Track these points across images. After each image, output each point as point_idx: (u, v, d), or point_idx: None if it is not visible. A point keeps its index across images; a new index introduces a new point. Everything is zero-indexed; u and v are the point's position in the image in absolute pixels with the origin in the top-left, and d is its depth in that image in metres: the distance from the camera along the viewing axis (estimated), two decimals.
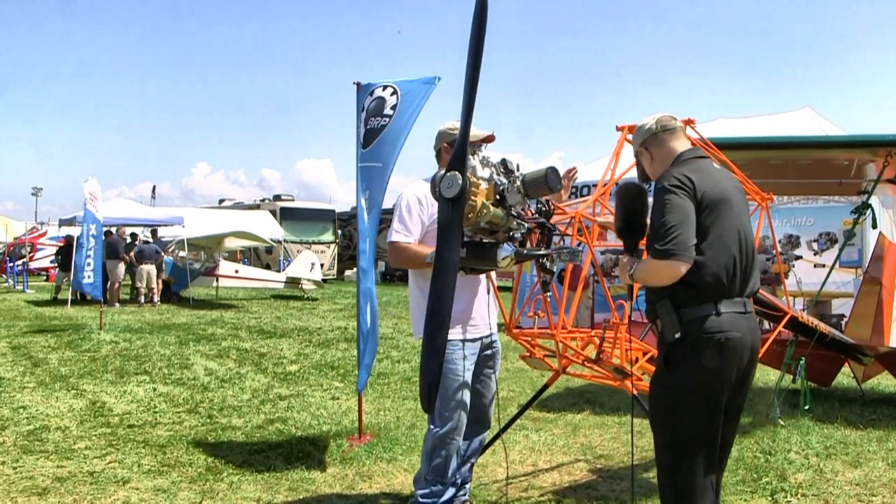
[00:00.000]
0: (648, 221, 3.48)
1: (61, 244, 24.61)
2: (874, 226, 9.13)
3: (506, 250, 3.67)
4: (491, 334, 4.71)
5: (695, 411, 3.43)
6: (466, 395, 4.52)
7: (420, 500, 4.56)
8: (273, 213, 32.56)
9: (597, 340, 4.53)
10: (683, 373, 3.39)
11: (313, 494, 5.36)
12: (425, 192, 4.47)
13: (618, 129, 5.11)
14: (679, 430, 3.49)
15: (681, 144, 3.70)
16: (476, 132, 4.60)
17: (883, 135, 7.85)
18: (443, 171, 3.52)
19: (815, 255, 14.63)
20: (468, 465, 4.87)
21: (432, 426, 4.53)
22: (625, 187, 3.61)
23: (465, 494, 4.88)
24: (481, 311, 4.54)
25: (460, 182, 3.40)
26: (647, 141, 3.74)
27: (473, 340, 4.54)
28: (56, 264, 25.60)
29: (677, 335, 3.37)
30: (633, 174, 7.90)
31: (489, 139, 4.67)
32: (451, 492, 4.60)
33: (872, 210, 8.60)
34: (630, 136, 5.13)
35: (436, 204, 4.33)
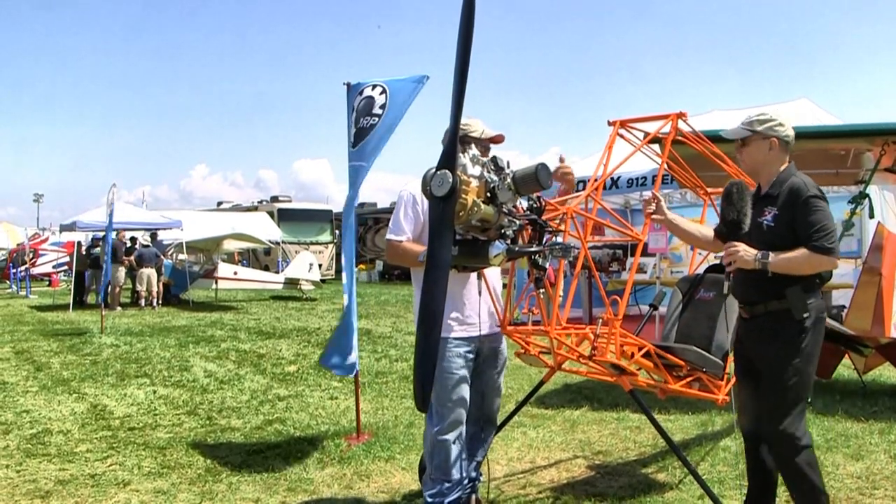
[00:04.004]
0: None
1: None
2: (871, 215, 9.10)
3: (497, 247, 3.65)
4: (492, 334, 4.69)
5: (813, 370, 4.21)
6: (464, 393, 4.50)
7: (428, 500, 4.56)
8: (271, 214, 32.63)
9: (591, 336, 4.50)
10: (812, 342, 4.10)
11: (311, 494, 5.35)
12: None
13: (609, 123, 5.07)
14: (807, 387, 4.19)
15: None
16: (487, 131, 4.59)
17: (879, 123, 7.81)
18: (433, 169, 3.51)
19: None
20: (474, 463, 4.85)
21: (430, 425, 4.52)
22: (742, 188, 4.06)
23: (474, 493, 4.87)
24: (476, 308, 4.51)
25: (450, 180, 3.38)
26: (783, 144, 4.25)
27: (469, 339, 4.53)
28: None
29: (805, 315, 4.05)
30: (625, 168, 7.82)
31: (497, 139, 4.65)
32: (459, 489, 4.56)
33: (870, 199, 8.57)
34: (622, 131, 5.16)
35: None
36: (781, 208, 4.12)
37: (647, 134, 5.22)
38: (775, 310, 4.13)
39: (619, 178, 12.51)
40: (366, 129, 6.13)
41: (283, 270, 26.14)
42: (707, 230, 4.68)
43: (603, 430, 6.94)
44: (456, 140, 3.43)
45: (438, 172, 3.43)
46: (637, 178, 12.50)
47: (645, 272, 14.45)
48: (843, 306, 10.17)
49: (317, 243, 33.52)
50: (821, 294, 4.20)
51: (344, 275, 6.66)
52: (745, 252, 4.03)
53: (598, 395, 8.25)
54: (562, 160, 4.83)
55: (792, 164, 4.27)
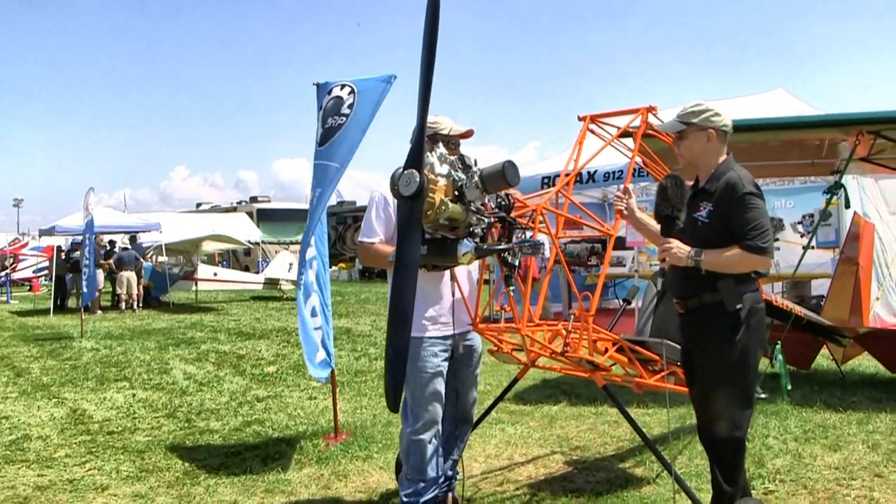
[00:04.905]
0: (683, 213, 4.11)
1: None
2: (847, 205, 9.12)
3: (466, 246, 3.65)
4: (466, 332, 4.67)
5: (755, 363, 4.18)
6: (439, 392, 4.48)
7: (403, 499, 4.55)
8: (250, 214, 32.63)
9: (564, 332, 4.49)
10: (748, 337, 4.01)
11: (289, 495, 5.34)
12: None
13: (580, 118, 5.07)
14: (748, 380, 4.14)
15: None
16: (455, 127, 4.59)
17: (854, 113, 7.82)
18: (400, 169, 3.50)
19: (801, 237, 14.36)
20: (451, 462, 4.84)
21: (405, 425, 4.51)
22: (679, 182, 4.12)
23: (451, 491, 4.86)
24: (449, 307, 4.50)
25: (418, 179, 3.38)
26: (720, 134, 4.16)
27: (443, 338, 4.51)
28: None
29: (738, 306, 3.97)
30: (602, 162, 7.76)
31: (467, 135, 4.64)
32: (435, 488, 4.55)
33: (845, 190, 8.58)
34: (593, 126, 5.16)
35: None
36: (717, 204, 4.04)
37: (618, 128, 5.22)
38: (708, 303, 4.06)
39: (595, 171, 12.50)
40: (334, 129, 6.10)
41: (262, 271, 26.12)
42: None
43: (581, 425, 6.95)
44: (423, 139, 3.42)
45: (406, 172, 3.43)
46: (614, 172, 12.46)
47: (624, 266, 14.47)
48: (823, 296, 10.20)
49: (296, 243, 33.48)
50: (757, 286, 4.13)
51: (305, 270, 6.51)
52: (679, 249, 4.01)
53: (576, 390, 8.25)
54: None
55: (730, 157, 4.19)
